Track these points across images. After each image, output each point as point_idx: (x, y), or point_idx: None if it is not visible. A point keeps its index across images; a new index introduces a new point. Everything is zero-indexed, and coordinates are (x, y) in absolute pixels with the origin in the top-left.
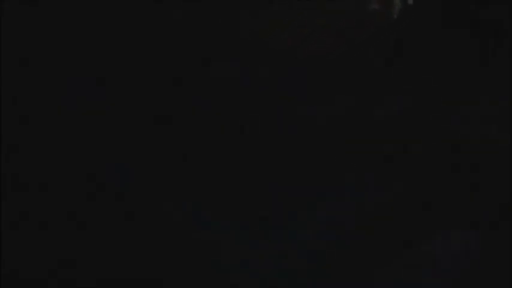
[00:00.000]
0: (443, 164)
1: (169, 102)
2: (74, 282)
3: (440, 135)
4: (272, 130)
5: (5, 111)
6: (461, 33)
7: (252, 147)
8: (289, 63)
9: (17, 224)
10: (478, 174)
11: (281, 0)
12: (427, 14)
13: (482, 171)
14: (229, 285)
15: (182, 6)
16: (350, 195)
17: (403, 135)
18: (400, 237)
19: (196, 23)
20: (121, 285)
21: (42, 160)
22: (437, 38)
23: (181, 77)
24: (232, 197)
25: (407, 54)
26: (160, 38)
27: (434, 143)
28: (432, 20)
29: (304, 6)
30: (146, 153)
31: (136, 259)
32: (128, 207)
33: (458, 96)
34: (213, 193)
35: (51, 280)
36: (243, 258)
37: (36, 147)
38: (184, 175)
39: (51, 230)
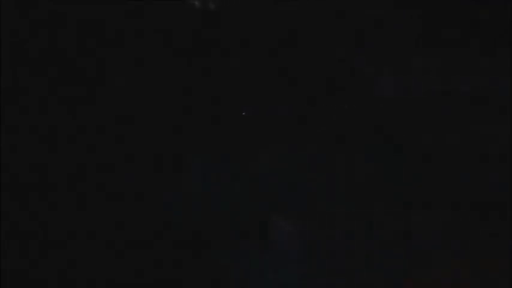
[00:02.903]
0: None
1: (166, 101)
2: (74, 282)
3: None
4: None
5: (5, 112)
6: (461, 33)
7: (255, 141)
8: (288, 62)
9: (17, 224)
10: None
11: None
12: (428, 15)
13: None
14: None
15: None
16: None
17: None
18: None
19: (199, 21)
20: (120, 286)
21: (41, 160)
22: (437, 38)
23: (182, 76)
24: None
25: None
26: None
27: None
28: (432, 20)
29: (306, 6)
30: (145, 153)
31: (135, 260)
32: (128, 208)
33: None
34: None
35: (51, 280)
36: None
37: (36, 147)
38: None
39: (51, 230)
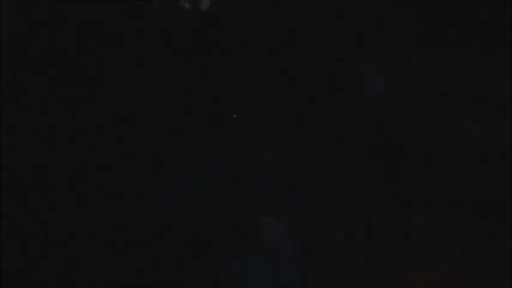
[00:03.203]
0: None
1: (166, 101)
2: (74, 282)
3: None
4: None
5: (5, 112)
6: (461, 33)
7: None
8: (286, 61)
9: (17, 224)
10: None
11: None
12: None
13: None
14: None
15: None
16: None
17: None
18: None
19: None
20: (120, 286)
21: (41, 160)
22: (438, 38)
23: (184, 75)
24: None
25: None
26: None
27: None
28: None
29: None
30: (145, 153)
31: (135, 260)
32: (128, 208)
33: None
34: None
35: (51, 280)
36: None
37: (36, 147)
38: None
39: (51, 230)
